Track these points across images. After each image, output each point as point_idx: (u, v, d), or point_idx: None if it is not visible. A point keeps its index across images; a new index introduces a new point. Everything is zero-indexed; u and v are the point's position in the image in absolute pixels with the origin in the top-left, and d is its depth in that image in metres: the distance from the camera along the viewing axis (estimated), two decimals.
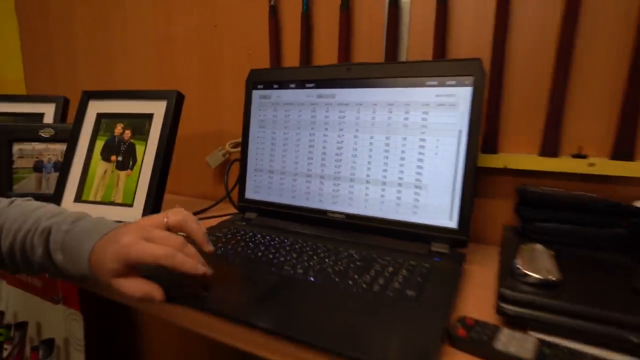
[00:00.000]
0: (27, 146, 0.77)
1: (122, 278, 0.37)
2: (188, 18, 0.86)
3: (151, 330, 1.05)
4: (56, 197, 0.68)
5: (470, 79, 0.48)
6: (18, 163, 0.77)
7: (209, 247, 0.42)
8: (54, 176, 0.78)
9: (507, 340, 0.33)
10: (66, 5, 1.07)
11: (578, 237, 0.50)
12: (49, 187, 0.77)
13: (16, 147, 0.77)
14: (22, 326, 0.99)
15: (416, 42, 0.60)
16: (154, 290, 0.37)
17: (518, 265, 0.40)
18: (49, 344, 0.92)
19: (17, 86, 1.26)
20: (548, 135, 0.53)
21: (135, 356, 1.07)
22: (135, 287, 0.37)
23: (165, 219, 0.41)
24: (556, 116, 0.52)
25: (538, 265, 0.40)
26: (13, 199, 0.50)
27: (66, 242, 0.41)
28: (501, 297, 0.38)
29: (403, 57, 0.61)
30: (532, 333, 0.35)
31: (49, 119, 0.91)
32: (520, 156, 0.55)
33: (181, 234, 0.42)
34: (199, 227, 0.42)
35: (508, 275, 0.41)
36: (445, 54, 0.58)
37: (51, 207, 0.48)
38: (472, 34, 0.57)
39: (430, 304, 0.39)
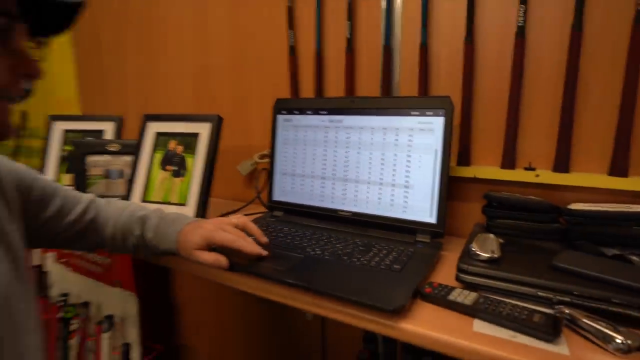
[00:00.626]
0: (98, 158, 0.96)
1: (200, 251, 0.56)
2: (222, 51, 1.04)
3: (189, 307, 1.24)
4: (127, 198, 0.87)
5: (442, 111, 0.65)
6: (91, 171, 0.96)
7: (264, 239, 0.62)
8: (118, 182, 0.98)
9: (458, 294, 0.50)
10: (117, 37, 1.26)
11: (527, 230, 0.66)
12: (114, 190, 0.96)
13: (89, 159, 0.96)
14: (85, 305, 1.19)
15: (405, 78, 0.77)
16: (222, 259, 0.56)
17: (472, 248, 0.57)
18: (110, 319, 1.12)
19: (67, 104, 1.47)
20: (506, 152, 0.69)
21: (177, 328, 1.26)
22: (209, 257, 0.56)
23: (234, 220, 0.61)
24: (512, 138, 0.68)
25: (487, 247, 0.57)
26: (107, 199, 0.69)
27: (160, 225, 0.60)
28: (459, 269, 0.55)
29: (396, 90, 0.79)
30: (482, 293, 0.52)
31: (108, 135, 1.11)
32: (486, 168, 0.72)
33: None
34: (255, 226, 0.62)
35: (466, 255, 0.57)
36: (428, 88, 0.75)
37: (134, 204, 0.67)
38: (447, 73, 0.73)
39: (411, 273, 0.56)
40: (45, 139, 1.12)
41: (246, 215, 0.88)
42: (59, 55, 1.44)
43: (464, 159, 0.73)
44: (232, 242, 0.55)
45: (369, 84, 0.83)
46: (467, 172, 0.72)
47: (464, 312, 0.48)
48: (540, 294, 0.49)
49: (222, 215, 0.88)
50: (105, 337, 1.12)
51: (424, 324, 0.46)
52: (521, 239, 0.65)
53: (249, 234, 0.61)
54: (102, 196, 0.78)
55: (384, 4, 0.78)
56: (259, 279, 0.56)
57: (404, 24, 0.76)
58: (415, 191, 0.68)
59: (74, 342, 1.21)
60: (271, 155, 0.85)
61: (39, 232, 0.58)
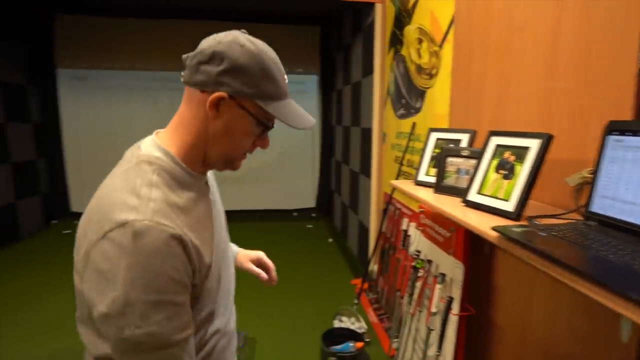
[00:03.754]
0: (454, 159, 1.37)
1: (250, 265, 1.04)
2: (568, 74, 1.17)
3: (505, 287, 1.46)
4: (467, 191, 1.22)
5: None
6: (448, 168, 1.39)
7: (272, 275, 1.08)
8: (464, 178, 1.35)
9: None
10: (482, 68, 1.63)
11: None
12: (460, 184, 1.34)
13: (449, 159, 1.39)
14: (429, 262, 1.69)
15: None
16: (262, 274, 1.02)
17: None
18: (443, 276, 1.55)
19: (442, 119, 2.00)
20: None
21: (493, 294, 1.52)
22: (255, 269, 1.03)
23: (261, 254, 1.09)
24: None
25: None
26: None
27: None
28: None
29: None
30: None
31: (463, 143, 1.50)
32: None
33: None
34: (270, 262, 1.08)
35: None
36: None
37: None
38: None
39: None
40: (425, 143, 1.67)
41: (558, 219, 1.01)
42: (442, 83, 2.00)
43: None
44: (269, 266, 1.07)
45: None
46: None
47: None
48: None
49: (536, 217, 1.05)
50: (438, 287, 1.56)
51: None
52: None
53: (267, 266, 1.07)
54: (450, 187, 1.17)
55: None
56: (578, 275, 0.66)
57: None
58: None
59: (418, 284, 1.74)
60: (595, 172, 0.93)
61: None
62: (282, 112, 0.69)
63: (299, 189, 5.32)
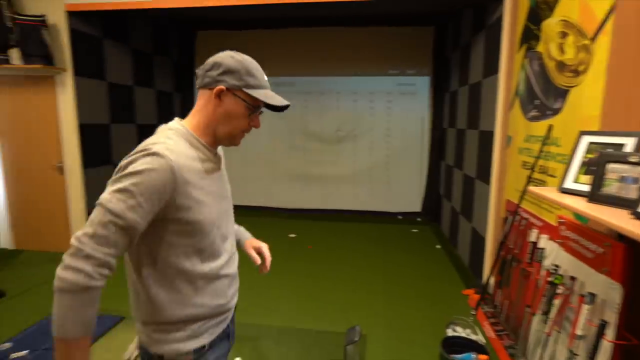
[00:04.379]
0: (617, 166, 1.22)
1: (251, 251, 1.22)
2: None
3: None
4: (638, 202, 1.08)
5: None
6: (608, 175, 1.24)
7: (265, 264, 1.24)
8: (632, 186, 1.18)
9: None
10: None
11: None
12: (626, 193, 1.18)
13: (609, 166, 1.24)
14: (572, 279, 1.53)
15: None
16: (257, 259, 1.19)
17: None
18: (592, 296, 1.38)
19: (591, 121, 1.77)
20: None
21: None
22: (254, 255, 1.21)
23: (263, 245, 1.25)
24: None
25: None
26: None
27: (241, 231, 1.30)
28: None
29: None
30: None
31: (628, 148, 1.32)
32: None
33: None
34: (268, 255, 1.23)
35: None
36: None
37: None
38: None
39: None
40: (573, 147, 1.51)
41: None
42: (593, 80, 1.78)
43: None
44: (266, 256, 1.22)
45: None
46: None
47: None
48: None
49: None
50: (585, 308, 1.40)
51: None
52: None
53: (264, 255, 1.22)
54: (611, 196, 1.05)
55: None
56: None
57: None
58: None
59: (556, 302, 1.58)
60: None
61: None
62: (262, 96, 0.97)
63: (405, 192, 5.23)
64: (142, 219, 0.84)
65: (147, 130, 3.81)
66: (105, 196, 0.83)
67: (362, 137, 5.21)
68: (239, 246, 1.23)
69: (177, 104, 5.37)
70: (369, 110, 5.17)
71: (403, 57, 4.97)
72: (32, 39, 3.24)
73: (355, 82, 5.14)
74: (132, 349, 0.91)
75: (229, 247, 1.07)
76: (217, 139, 1.00)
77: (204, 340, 1.00)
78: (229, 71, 0.94)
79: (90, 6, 3.37)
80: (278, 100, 1.00)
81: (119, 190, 0.82)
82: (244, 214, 5.41)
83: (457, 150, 4.15)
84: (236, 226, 1.24)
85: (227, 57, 0.96)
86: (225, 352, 1.10)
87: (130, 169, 0.84)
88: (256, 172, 5.46)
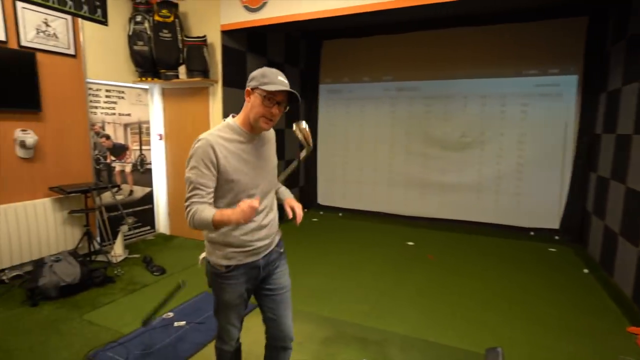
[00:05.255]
0: None
1: (286, 205, 1.59)
2: None
3: None
4: None
5: None
6: None
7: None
8: None
9: None
10: None
11: None
12: None
13: None
14: None
15: None
16: (290, 214, 1.55)
17: None
18: None
19: None
20: None
21: None
22: (287, 209, 1.56)
23: (295, 203, 1.59)
24: None
25: None
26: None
27: (284, 192, 1.70)
28: None
29: None
30: None
31: None
32: None
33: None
34: (299, 209, 1.57)
35: None
36: None
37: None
38: None
39: None
40: None
41: None
42: None
43: None
44: (299, 212, 1.52)
45: None
46: None
47: None
48: None
49: None
50: None
51: None
52: None
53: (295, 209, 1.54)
54: None
55: None
56: None
57: None
58: None
59: None
60: None
61: None
62: (267, 86, 1.36)
63: (539, 206, 4.62)
64: (209, 179, 1.38)
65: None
66: (186, 175, 1.39)
67: (490, 144, 4.79)
68: (280, 202, 1.62)
69: (302, 109, 5.71)
70: (500, 115, 4.73)
71: (544, 55, 4.42)
72: (196, 56, 3.81)
73: (484, 84, 4.76)
74: (203, 255, 1.59)
75: (263, 201, 1.48)
76: (252, 126, 1.44)
77: (232, 262, 1.47)
78: (252, 78, 1.41)
79: (239, 25, 3.82)
80: (275, 87, 1.35)
81: (190, 168, 1.38)
82: (359, 218, 5.48)
83: (616, 159, 3.51)
84: (282, 187, 1.67)
85: (255, 70, 1.41)
86: (253, 277, 1.53)
87: (191, 152, 1.39)
88: (373, 177, 5.47)
